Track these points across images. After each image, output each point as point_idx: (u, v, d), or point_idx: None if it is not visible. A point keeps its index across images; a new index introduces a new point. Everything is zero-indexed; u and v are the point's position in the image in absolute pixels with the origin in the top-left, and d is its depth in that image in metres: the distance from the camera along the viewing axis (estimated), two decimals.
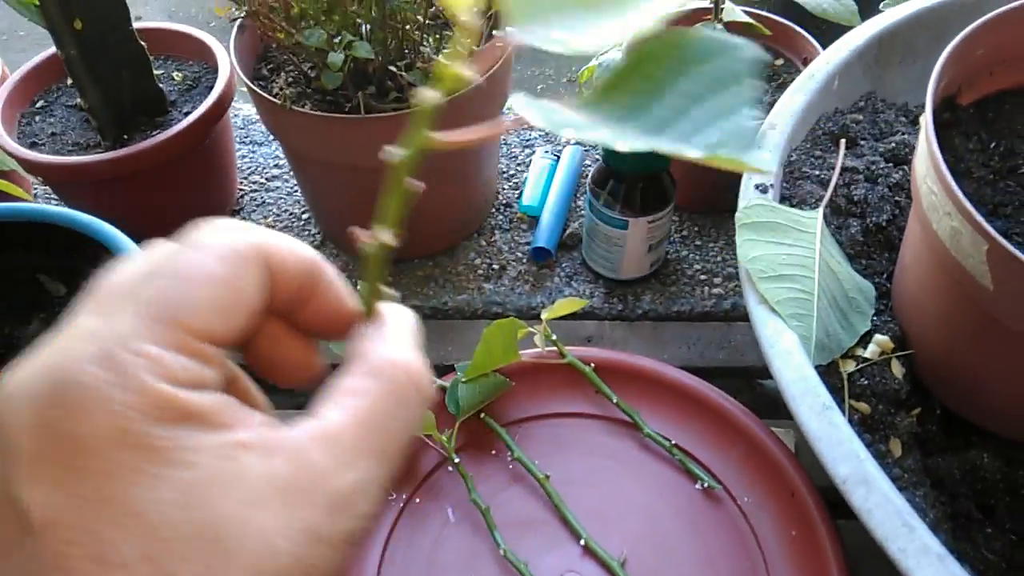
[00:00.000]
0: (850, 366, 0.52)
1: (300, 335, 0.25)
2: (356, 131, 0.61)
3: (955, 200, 0.41)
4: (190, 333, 0.20)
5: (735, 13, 0.73)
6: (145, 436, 0.18)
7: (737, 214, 0.54)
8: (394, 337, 0.24)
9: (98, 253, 0.50)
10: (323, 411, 0.21)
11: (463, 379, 0.59)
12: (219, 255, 0.21)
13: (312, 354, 0.25)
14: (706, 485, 0.57)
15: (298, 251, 0.23)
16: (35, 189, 0.80)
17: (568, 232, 0.76)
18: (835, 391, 0.50)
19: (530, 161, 0.83)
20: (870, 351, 0.53)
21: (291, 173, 0.82)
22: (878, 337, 0.53)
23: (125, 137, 0.69)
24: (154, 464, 0.18)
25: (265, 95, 0.63)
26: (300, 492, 0.20)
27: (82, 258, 0.52)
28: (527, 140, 0.86)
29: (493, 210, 0.79)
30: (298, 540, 0.19)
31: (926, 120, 0.45)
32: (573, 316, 0.71)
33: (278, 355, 0.24)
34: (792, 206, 0.58)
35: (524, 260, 0.75)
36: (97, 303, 0.20)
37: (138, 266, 0.21)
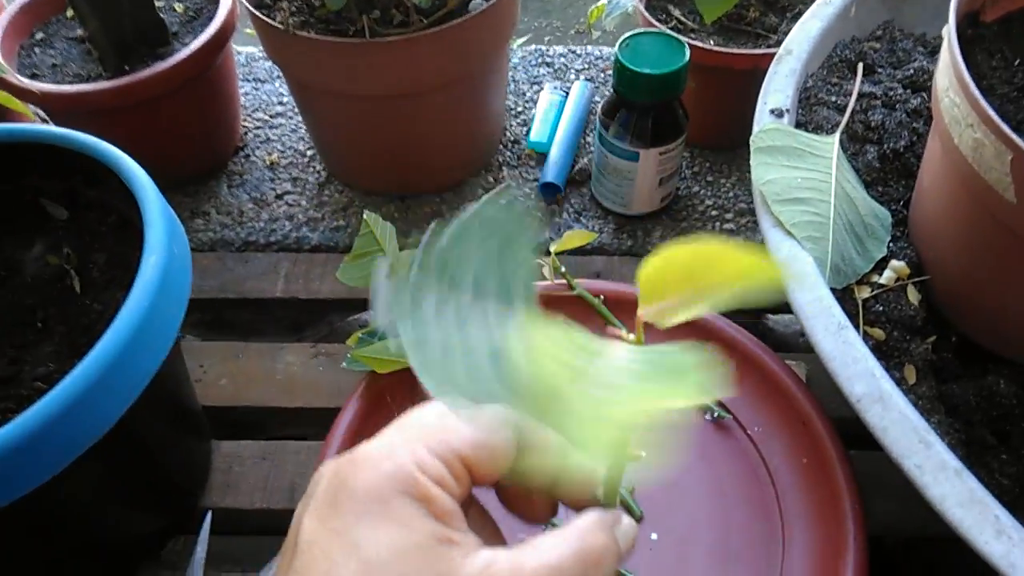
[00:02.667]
0: (865, 292, 0.51)
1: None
2: (361, 56, 0.60)
3: (979, 109, 0.40)
4: (452, 452, 0.27)
5: None
6: (390, 497, 0.25)
7: (752, 137, 0.53)
8: (606, 517, 0.28)
9: (100, 176, 0.49)
10: (520, 549, 0.26)
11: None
12: (490, 427, 0.28)
13: (547, 504, 0.30)
14: (717, 415, 0.56)
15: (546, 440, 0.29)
16: (37, 124, 0.79)
17: (577, 167, 0.75)
18: (850, 317, 0.49)
19: (538, 97, 0.81)
20: (886, 277, 0.52)
21: (295, 111, 0.81)
22: (894, 263, 0.52)
23: (126, 68, 0.68)
24: (389, 518, 0.25)
25: (268, 20, 0.61)
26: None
27: (84, 182, 0.51)
28: (535, 77, 0.85)
29: (501, 146, 0.78)
30: None
31: (949, 31, 0.43)
32: (582, 252, 0.70)
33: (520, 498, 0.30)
34: (808, 131, 0.56)
35: (532, 196, 0.74)
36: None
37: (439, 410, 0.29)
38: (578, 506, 0.29)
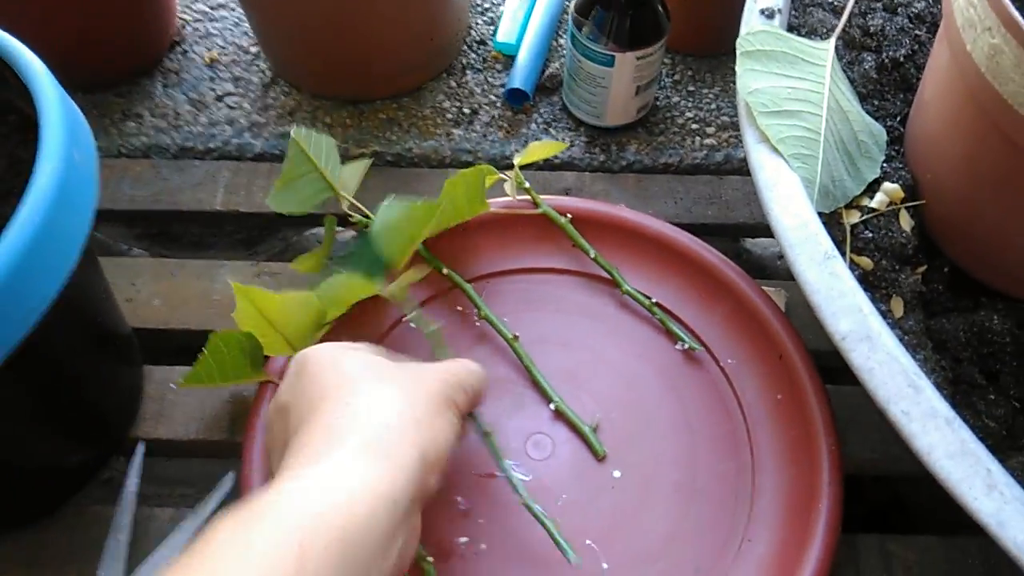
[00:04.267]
0: (854, 217, 0.47)
1: None
2: None
3: (1000, 10, 0.35)
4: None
5: None
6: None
7: (739, 40, 0.47)
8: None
9: (2, 76, 0.43)
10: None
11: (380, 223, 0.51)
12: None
13: None
14: (687, 346, 0.52)
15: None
16: None
17: (547, 73, 0.69)
18: (837, 244, 0.45)
19: None
20: (877, 201, 0.47)
21: (238, 1, 0.73)
22: (887, 186, 0.47)
23: None
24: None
25: None
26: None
27: None
28: None
29: (464, 47, 0.71)
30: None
31: None
32: (550, 166, 0.65)
33: None
34: (801, 36, 0.51)
35: (498, 104, 0.68)
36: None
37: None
38: None
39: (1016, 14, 0.34)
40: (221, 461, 0.52)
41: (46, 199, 0.36)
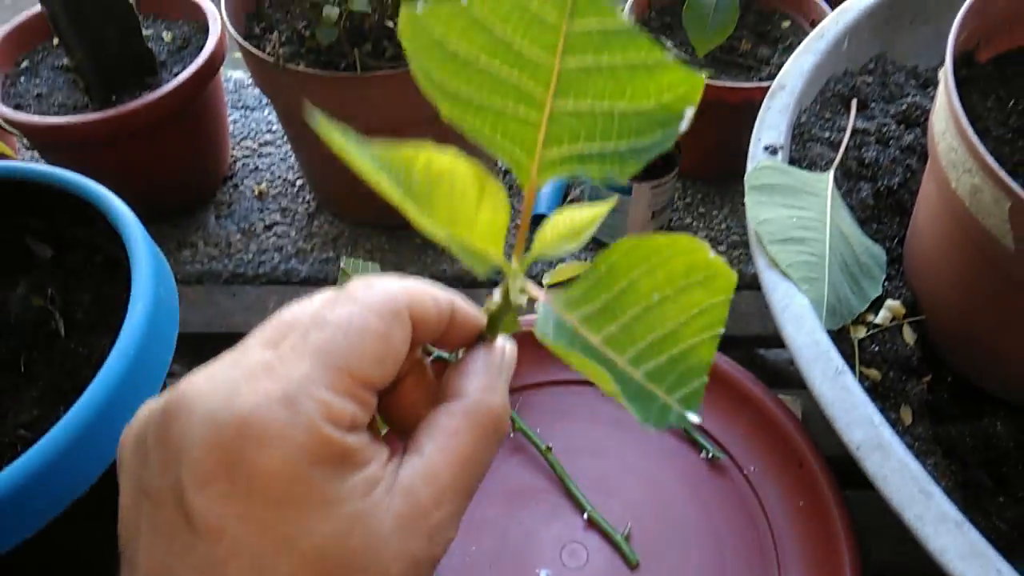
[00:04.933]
0: (861, 332, 0.51)
1: (425, 388, 0.28)
2: (352, 90, 0.59)
3: (977, 156, 0.40)
4: (355, 380, 0.23)
5: None
6: (310, 476, 0.22)
7: (747, 176, 0.52)
8: (491, 376, 0.27)
9: (86, 214, 0.48)
10: (426, 449, 0.25)
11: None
12: (377, 312, 0.25)
13: (427, 408, 0.27)
14: (711, 455, 0.55)
15: (437, 297, 0.27)
16: (21, 154, 0.78)
17: (569, 199, 0.74)
18: (846, 357, 0.48)
19: None
20: (881, 316, 0.51)
21: (284, 138, 0.80)
22: (889, 302, 0.52)
23: (113, 98, 0.67)
24: (313, 501, 0.22)
25: (258, 52, 0.60)
26: (411, 526, 0.24)
27: (70, 220, 0.50)
28: None
29: None
30: (406, 566, 0.23)
31: (946, 74, 0.43)
32: None
33: (406, 402, 0.28)
34: (802, 168, 0.56)
35: None
36: (271, 340, 0.24)
37: (305, 310, 0.25)
38: (463, 345, 0.29)
39: (991, 160, 0.39)
40: None
41: (139, 333, 0.40)
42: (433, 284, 0.27)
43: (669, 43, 0.74)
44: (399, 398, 0.28)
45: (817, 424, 0.57)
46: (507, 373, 0.28)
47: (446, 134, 0.66)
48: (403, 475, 0.24)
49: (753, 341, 0.67)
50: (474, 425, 0.26)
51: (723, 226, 0.73)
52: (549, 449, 0.55)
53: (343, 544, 0.22)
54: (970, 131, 0.40)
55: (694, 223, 0.73)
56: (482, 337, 0.28)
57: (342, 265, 0.57)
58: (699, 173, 0.76)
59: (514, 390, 0.59)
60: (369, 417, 0.24)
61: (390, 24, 0.60)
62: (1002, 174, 0.38)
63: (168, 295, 0.44)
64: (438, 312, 0.27)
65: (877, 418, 0.42)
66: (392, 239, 0.73)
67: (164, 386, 0.51)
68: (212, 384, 0.23)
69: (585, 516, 0.53)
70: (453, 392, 0.27)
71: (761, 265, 0.50)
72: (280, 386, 0.22)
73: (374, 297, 0.25)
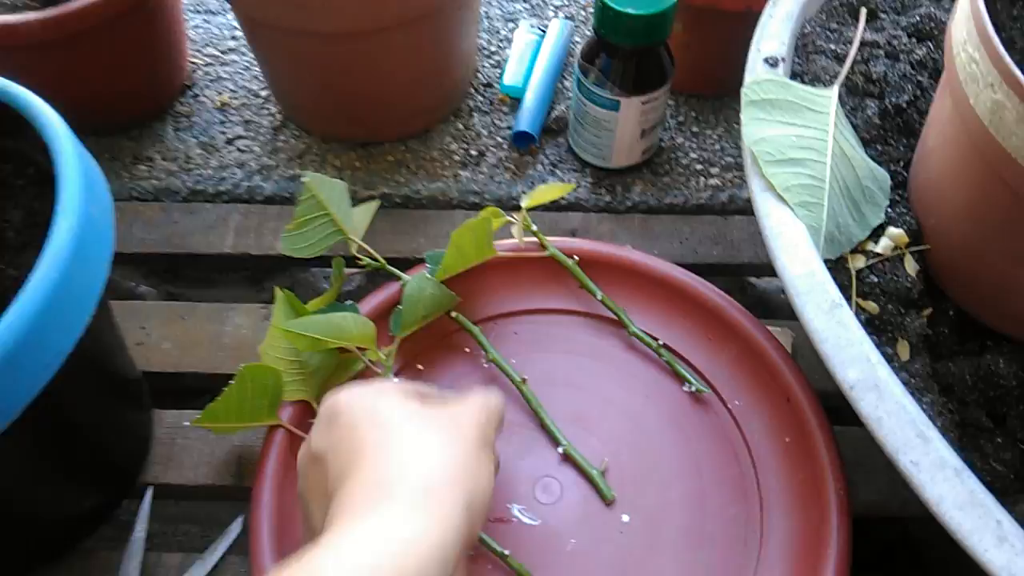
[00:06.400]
0: (860, 262, 0.47)
1: None
2: None
3: (1002, 68, 0.35)
4: None
5: None
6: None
7: (743, 89, 0.48)
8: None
9: (17, 124, 0.44)
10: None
11: (410, 294, 0.53)
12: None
13: None
14: (694, 388, 0.53)
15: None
16: None
17: (554, 115, 0.70)
18: (842, 289, 0.45)
19: (513, 36, 0.75)
20: (882, 245, 0.48)
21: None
22: (892, 230, 0.48)
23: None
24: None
25: None
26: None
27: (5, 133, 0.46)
28: (510, 13, 0.78)
29: (471, 90, 0.72)
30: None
31: None
32: (557, 207, 0.66)
33: None
34: (804, 83, 0.51)
35: (505, 145, 0.69)
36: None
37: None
38: None
39: (1018, 72, 0.35)
40: (231, 504, 0.53)
41: (63, 255, 0.37)
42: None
43: None
44: None
45: (807, 357, 0.54)
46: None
47: (415, 45, 0.62)
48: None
49: (743, 269, 0.63)
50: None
51: (717, 147, 0.69)
52: (524, 381, 0.52)
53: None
54: (995, 39, 0.36)
55: (686, 143, 0.69)
56: None
57: (304, 180, 0.53)
58: (693, 89, 0.71)
59: (487, 319, 0.56)
60: None
61: None
62: None
63: (101, 213, 0.40)
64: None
65: (875, 356, 0.39)
66: (364, 155, 0.68)
67: (104, 310, 0.48)
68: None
69: (560, 450, 0.51)
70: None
71: (755, 188, 0.46)
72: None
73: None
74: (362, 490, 0.34)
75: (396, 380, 0.50)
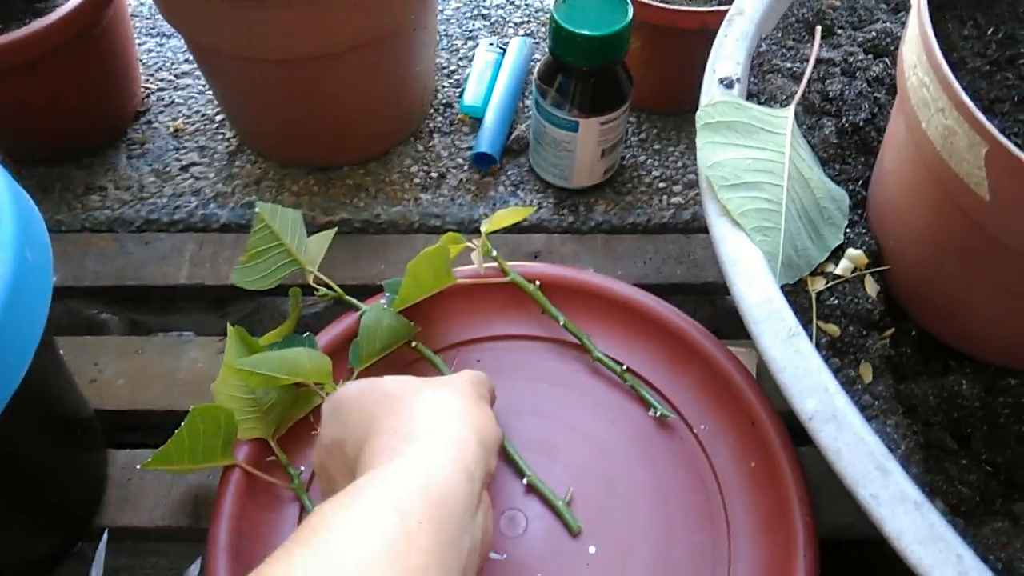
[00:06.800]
0: (819, 284, 0.47)
1: None
2: (258, 14, 0.53)
3: (951, 94, 0.35)
4: None
5: None
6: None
7: (698, 113, 0.47)
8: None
9: None
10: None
11: (366, 325, 0.52)
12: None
13: None
14: (659, 413, 0.52)
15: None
16: None
17: (514, 136, 0.69)
18: (802, 312, 0.45)
19: (473, 55, 0.74)
20: (841, 267, 0.47)
21: None
22: (851, 252, 0.48)
23: (0, 26, 0.60)
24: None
25: None
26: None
27: None
28: (470, 31, 0.78)
29: (431, 111, 0.71)
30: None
31: None
32: (519, 229, 0.65)
33: None
34: (760, 103, 0.51)
35: (465, 167, 0.68)
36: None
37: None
38: None
39: (967, 99, 0.34)
40: (188, 545, 0.51)
41: None
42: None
43: None
44: None
45: (771, 379, 0.53)
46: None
47: (373, 66, 0.61)
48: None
49: (712, 288, 0.63)
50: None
51: (679, 164, 0.68)
52: None
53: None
54: (944, 65, 0.35)
55: (648, 160, 0.68)
56: None
57: (257, 210, 0.52)
58: (654, 106, 0.71)
59: (448, 347, 0.55)
60: None
61: None
62: (979, 115, 0.34)
63: (39, 256, 0.39)
64: None
65: (832, 386, 0.38)
66: (322, 180, 0.67)
67: (50, 350, 0.46)
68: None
69: (525, 482, 0.50)
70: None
71: (712, 214, 0.45)
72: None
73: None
74: (386, 442, 0.37)
75: None
